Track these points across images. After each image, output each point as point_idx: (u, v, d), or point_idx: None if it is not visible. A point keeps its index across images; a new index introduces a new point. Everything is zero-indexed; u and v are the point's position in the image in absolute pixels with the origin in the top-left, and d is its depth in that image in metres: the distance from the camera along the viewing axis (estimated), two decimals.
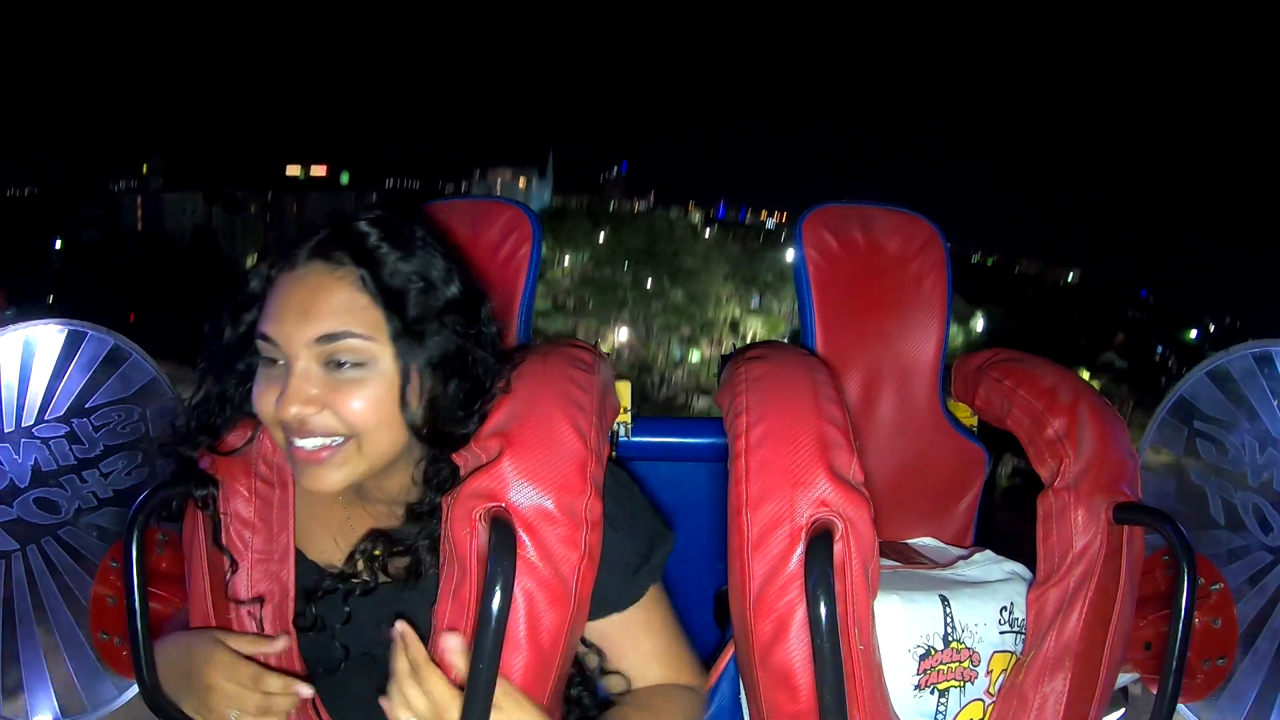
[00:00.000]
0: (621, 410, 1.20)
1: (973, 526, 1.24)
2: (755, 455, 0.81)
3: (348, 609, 0.84)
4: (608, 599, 0.84)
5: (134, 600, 0.79)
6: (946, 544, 1.19)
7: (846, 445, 0.80)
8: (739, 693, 0.94)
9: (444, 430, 0.81)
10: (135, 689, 1.22)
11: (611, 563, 0.81)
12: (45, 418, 1.24)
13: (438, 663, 0.73)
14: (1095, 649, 0.91)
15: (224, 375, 0.87)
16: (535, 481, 0.74)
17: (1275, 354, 1.27)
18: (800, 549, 0.76)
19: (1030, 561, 0.99)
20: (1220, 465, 1.30)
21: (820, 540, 0.74)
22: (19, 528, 1.22)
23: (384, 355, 0.78)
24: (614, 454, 1.19)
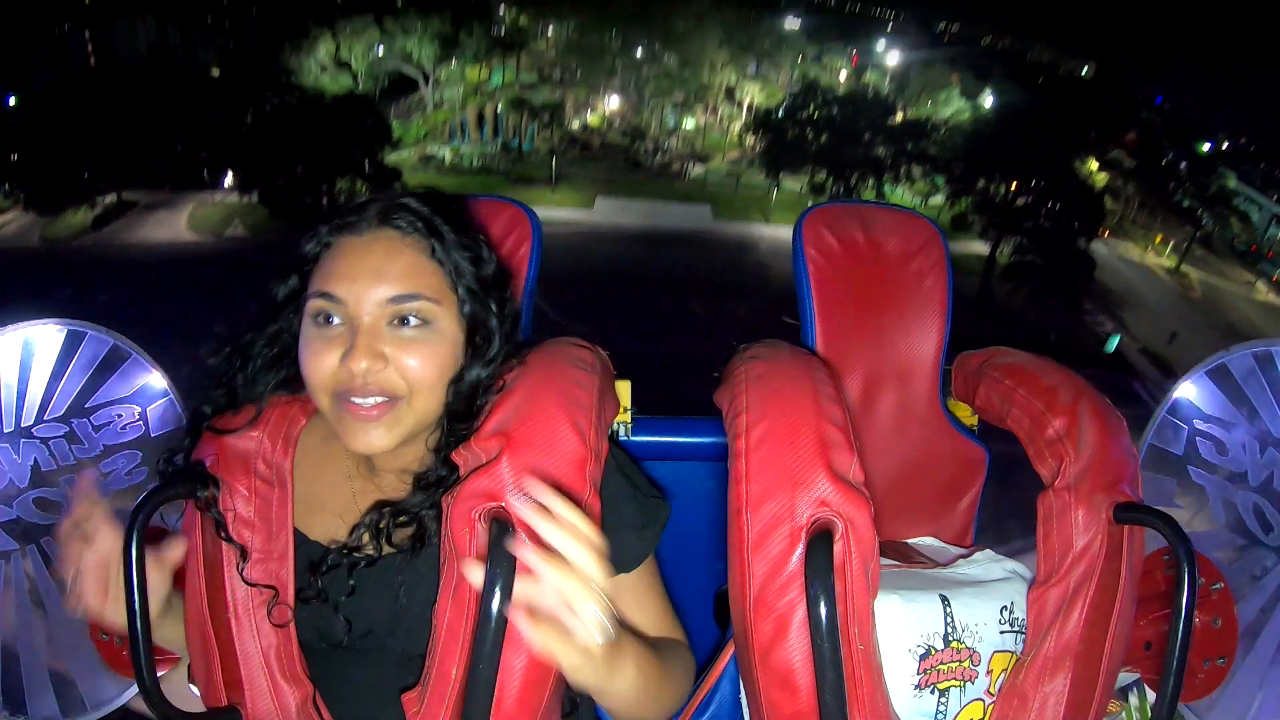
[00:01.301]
0: (621, 410, 1.20)
1: (973, 526, 1.24)
2: (755, 455, 0.81)
3: (352, 581, 0.85)
4: (621, 559, 0.86)
5: (134, 600, 0.79)
6: (946, 543, 1.19)
7: (846, 445, 0.80)
8: (739, 693, 0.94)
9: (469, 396, 0.85)
10: (135, 689, 1.22)
11: (621, 524, 0.83)
12: (45, 418, 1.24)
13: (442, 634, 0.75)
14: (1095, 649, 0.91)
15: (252, 331, 0.90)
16: (535, 481, 0.74)
17: (1275, 354, 1.27)
18: (800, 549, 0.76)
19: (1030, 561, 0.99)
20: (1220, 465, 1.30)
21: (820, 540, 0.74)
22: (19, 528, 1.22)
23: (444, 317, 0.84)
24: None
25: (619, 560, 0.83)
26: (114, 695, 1.25)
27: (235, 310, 0.95)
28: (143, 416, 1.29)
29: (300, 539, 0.88)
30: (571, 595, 0.66)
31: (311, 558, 0.87)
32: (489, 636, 0.67)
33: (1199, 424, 1.32)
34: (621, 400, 1.17)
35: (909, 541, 1.20)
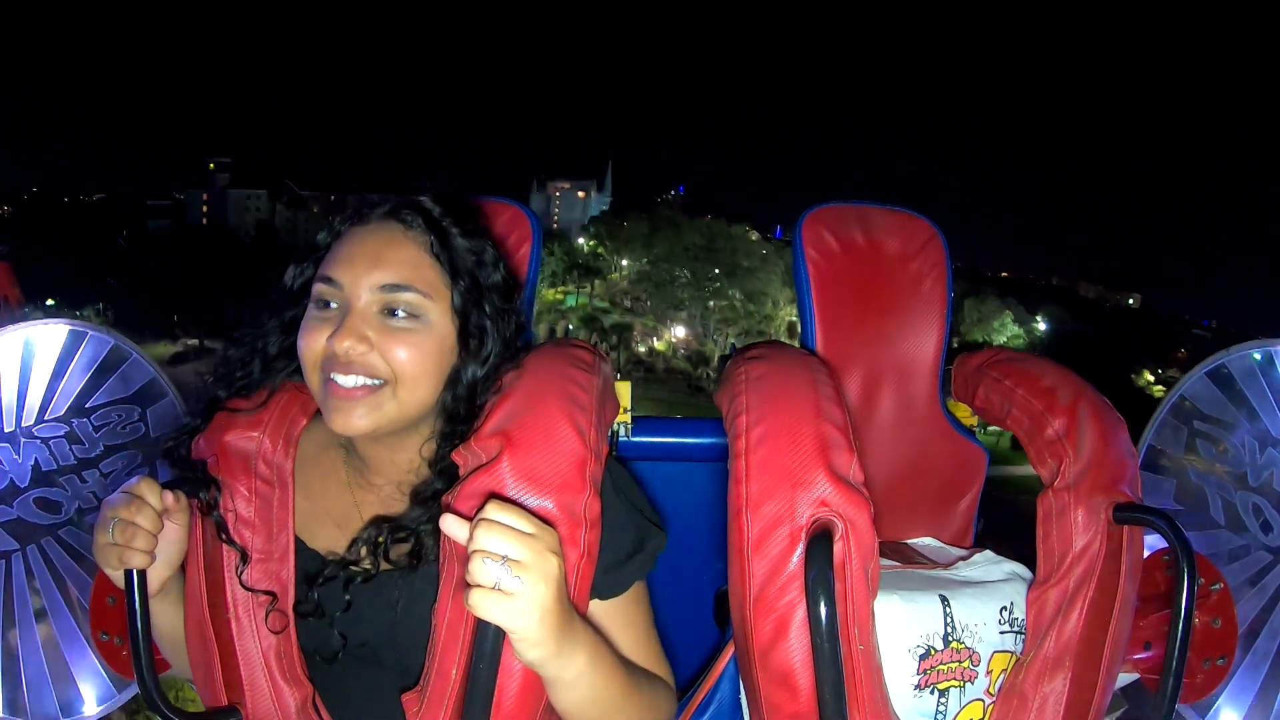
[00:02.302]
0: (621, 410, 1.20)
1: (973, 526, 1.24)
2: (755, 455, 0.81)
3: (348, 597, 0.85)
4: (607, 584, 0.84)
5: (134, 600, 0.78)
6: (946, 544, 1.19)
7: (846, 445, 0.80)
8: (739, 693, 0.94)
9: (467, 398, 0.85)
10: (135, 689, 1.22)
11: (610, 550, 0.81)
12: (45, 418, 1.24)
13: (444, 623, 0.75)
14: (1095, 649, 0.91)
15: (270, 318, 0.92)
16: (535, 481, 0.74)
17: (1275, 354, 1.27)
18: (800, 549, 0.76)
19: (1030, 561, 0.99)
20: (1220, 465, 1.30)
21: (820, 540, 0.74)
22: (19, 528, 1.22)
23: (436, 314, 0.84)
24: (614, 454, 1.19)
25: (604, 585, 0.82)
26: (114, 695, 1.25)
27: None
28: (143, 416, 1.29)
29: (300, 546, 0.88)
30: (502, 549, 0.65)
31: (309, 569, 0.87)
32: (489, 636, 0.67)
33: (1199, 424, 1.32)
34: (621, 401, 1.17)
35: (909, 542, 1.20)
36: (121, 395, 1.28)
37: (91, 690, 1.24)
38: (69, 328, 1.27)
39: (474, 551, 0.65)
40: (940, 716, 0.91)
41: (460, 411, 0.85)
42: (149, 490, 0.79)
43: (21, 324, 1.25)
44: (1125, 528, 0.92)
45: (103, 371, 1.27)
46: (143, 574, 0.79)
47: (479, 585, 0.64)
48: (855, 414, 1.01)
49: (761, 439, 0.81)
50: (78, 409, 1.25)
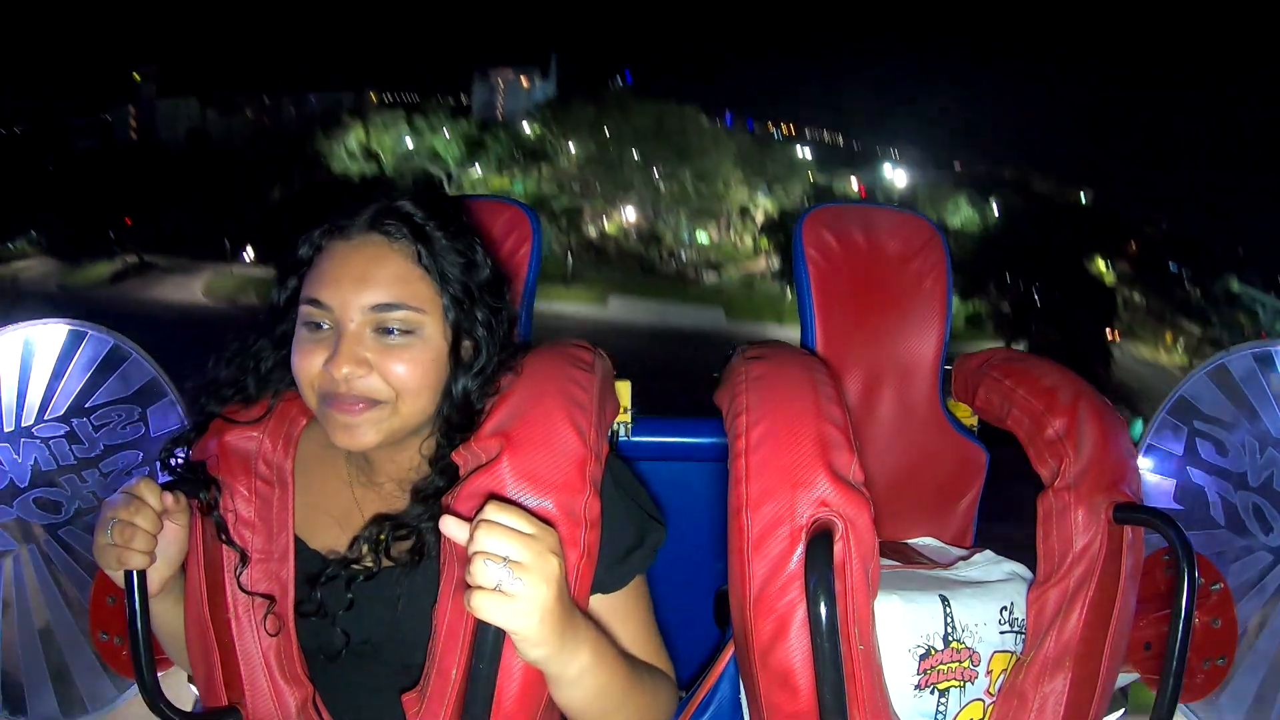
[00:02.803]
0: (621, 410, 1.20)
1: (973, 526, 1.24)
2: (755, 455, 0.81)
3: (350, 595, 0.85)
4: (608, 579, 0.84)
5: (134, 600, 0.78)
6: (946, 544, 1.19)
7: (846, 445, 0.80)
8: (739, 693, 0.94)
9: (463, 407, 0.84)
10: (135, 689, 1.22)
11: (610, 544, 0.81)
12: (45, 417, 1.24)
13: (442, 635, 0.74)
14: (1095, 649, 0.91)
15: (259, 337, 0.91)
16: (535, 481, 0.74)
17: (1275, 354, 1.27)
18: (800, 549, 0.76)
19: (1030, 561, 0.99)
20: (1220, 465, 1.30)
21: (820, 540, 0.74)
22: (19, 528, 1.22)
23: (430, 325, 0.83)
24: (614, 451, 1.19)
25: (605, 580, 0.82)
26: (114, 695, 1.25)
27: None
28: (143, 416, 1.29)
29: (300, 546, 0.88)
30: (501, 548, 0.64)
31: (310, 569, 0.87)
32: (489, 636, 0.67)
33: (1199, 424, 1.32)
34: (621, 400, 1.17)
35: (909, 542, 1.20)
36: (121, 395, 1.28)
37: (91, 690, 1.24)
38: (69, 328, 1.27)
39: (475, 553, 0.64)
40: (940, 716, 0.91)
41: (457, 419, 0.84)
42: (148, 491, 0.79)
43: (22, 324, 1.25)
44: (1125, 528, 0.92)
45: (103, 371, 1.27)
46: (143, 574, 0.79)
47: (480, 587, 0.64)
48: (855, 414, 1.01)
49: (761, 439, 0.81)
50: (78, 409, 1.25)
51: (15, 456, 1.22)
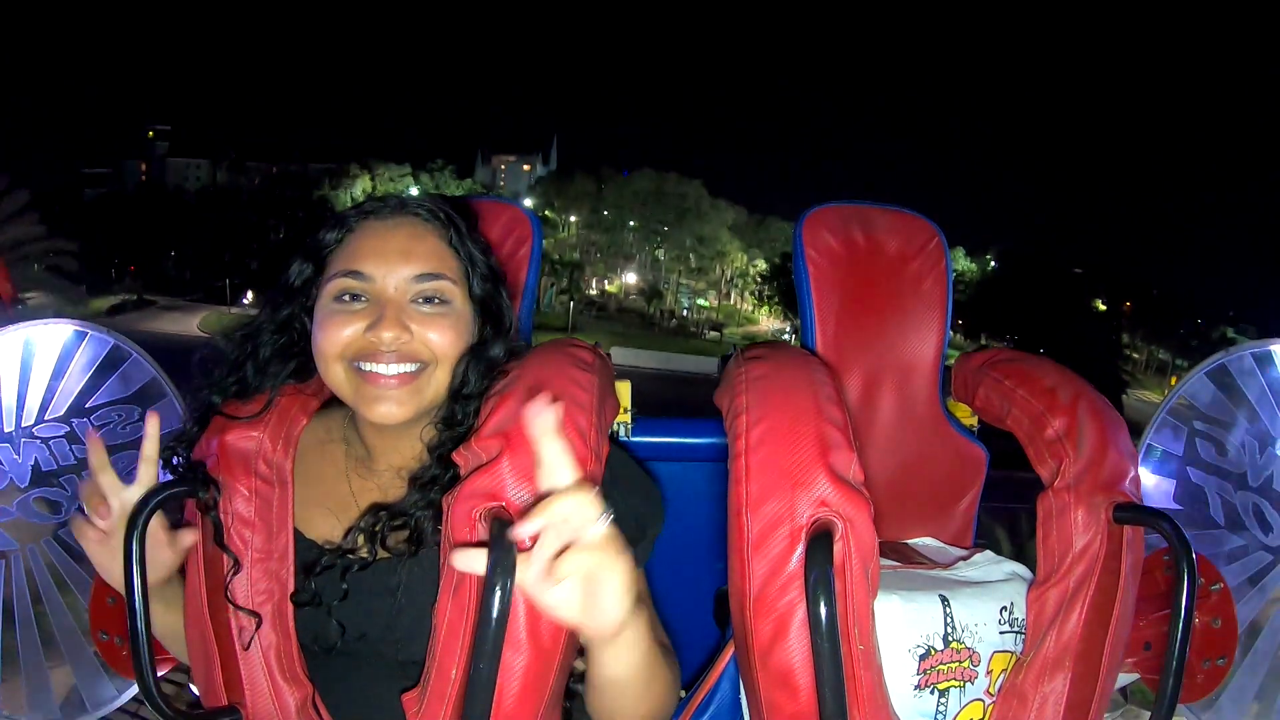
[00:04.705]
0: (621, 410, 1.20)
1: (973, 526, 1.24)
2: (755, 455, 0.81)
3: (345, 585, 0.85)
4: None
5: (134, 600, 0.79)
6: (946, 544, 1.19)
7: (846, 445, 0.80)
8: (739, 693, 0.94)
9: (487, 375, 0.88)
10: (135, 689, 1.22)
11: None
12: (45, 418, 1.24)
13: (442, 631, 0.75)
14: (1095, 649, 0.91)
15: (261, 322, 0.93)
16: (535, 481, 0.74)
17: (1275, 354, 1.27)
18: (800, 549, 0.76)
19: (1030, 561, 0.99)
20: (1220, 465, 1.30)
21: (820, 540, 0.74)
22: (19, 528, 1.23)
23: (460, 299, 0.90)
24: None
25: None
26: (114, 695, 1.25)
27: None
28: (143, 416, 1.29)
29: (296, 537, 0.89)
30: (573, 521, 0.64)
31: (306, 559, 0.87)
32: (489, 636, 0.67)
33: (1199, 424, 1.32)
34: (621, 400, 1.17)
35: (909, 542, 1.20)
36: (121, 395, 1.28)
37: (91, 690, 1.24)
38: (70, 327, 1.27)
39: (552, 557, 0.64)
40: (940, 716, 0.91)
41: (472, 387, 0.88)
42: (95, 455, 0.83)
43: (22, 324, 1.25)
44: (1125, 528, 0.92)
45: (103, 371, 1.27)
46: (143, 574, 0.79)
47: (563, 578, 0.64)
48: (855, 414, 1.01)
49: (761, 439, 0.81)
50: (78, 409, 1.25)
51: (15, 456, 1.22)
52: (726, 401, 0.90)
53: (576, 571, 0.64)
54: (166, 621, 0.90)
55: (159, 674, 0.81)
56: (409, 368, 0.86)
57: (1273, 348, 1.28)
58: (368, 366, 0.85)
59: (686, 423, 1.30)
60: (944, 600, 0.93)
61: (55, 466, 1.23)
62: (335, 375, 0.86)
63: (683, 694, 1.02)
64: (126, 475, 0.84)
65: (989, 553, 1.07)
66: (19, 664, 1.22)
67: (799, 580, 0.75)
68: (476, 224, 0.96)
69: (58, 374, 1.25)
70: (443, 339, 0.87)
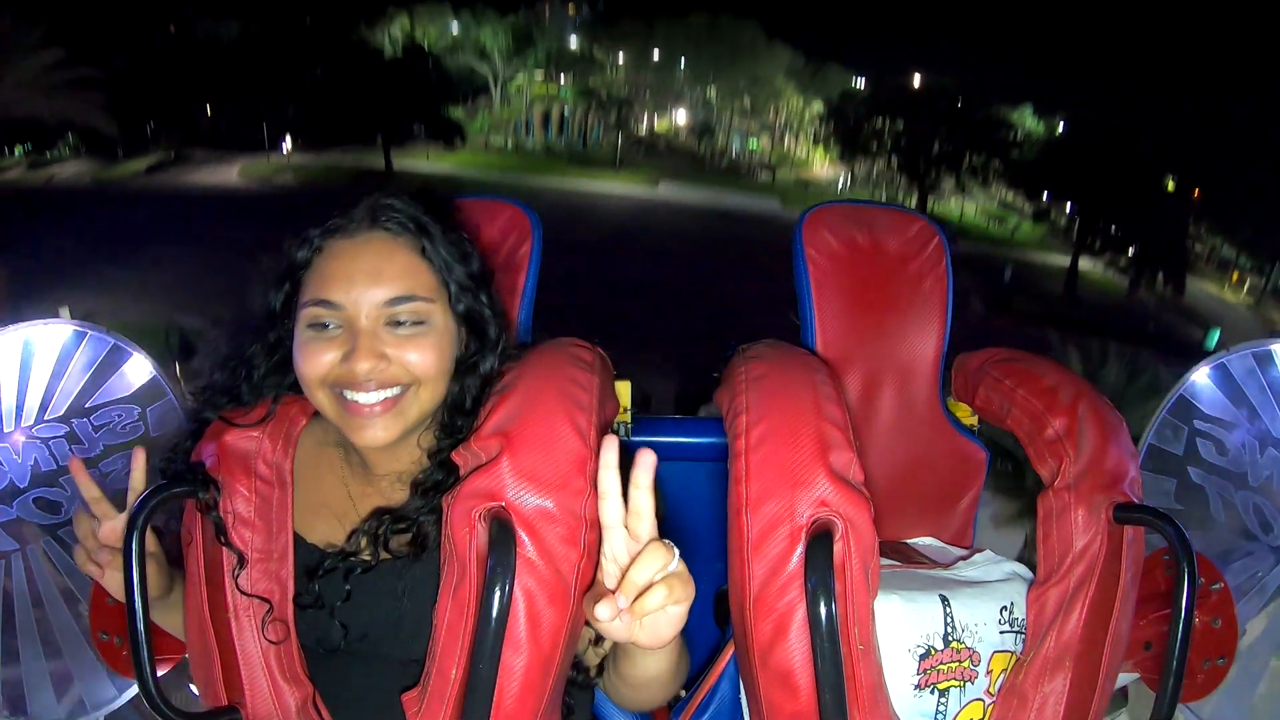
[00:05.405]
0: (621, 410, 1.20)
1: (973, 526, 1.24)
2: (755, 455, 0.81)
3: (348, 587, 0.85)
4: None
5: (134, 600, 0.79)
6: (946, 544, 1.19)
7: (846, 445, 0.80)
8: (739, 693, 0.94)
9: (481, 387, 0.87)
10: (135, 689, 1.23)
11: None
12: (45, 418, 1.24)
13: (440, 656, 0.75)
14: (1095, 649, 0.91)
15: (253, 342, 0.92)
16: (535, 481, 0.74)
17: (1275, 354, 1.27)
18: (800, 549, 0.76)
19: (1030, 561, 0.99)
20: (1220, 465, 1.30)
21: (820, 540, 0.74)
22: (19, 528, 1.23)
23: (438, 315, 0.86)
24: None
25: None
26: (114, 695, 1.25)
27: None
28: (143, 416, 1.29)
29: (298, 541, 0.89)
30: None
31: (308, 562, 0.87)
32: (489, 636, 0.67)
33: (1199, 424, 1.32)
34: (621, 400, 1.17)
35: (909, 542, 1.20)
36: (121, 395, 1.28)
37: (92, 690, 1.24)
38: (69, 328, 1.27)
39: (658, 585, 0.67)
40: (940, 716, 0.91)
41: (467, 404, 0.86)
42: (86, 508, 0.86)
43: (22, 324, 1.25)
44: (1125, 528, 0.92)
45: (102, 371, 1.27)
46: (143, 574, 0.79)
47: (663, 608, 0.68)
48: (855, 414, 1.01)
49: (761, 439, 0.81)
50: (78, 409, 1.25)
51: (15, 456, 1.22)
52: (726, 401, 0.90)
53: (660, 607, 0.67)
54: (169, 621, 0.92)
55: (159, 674, 0.81)
56: (391, 392, 0.84)
57: (1273, 348, 1.28)
58: (349, 395, 0.83)
59: (687, 422, 1.30)
60: (944, 600, 0.93)
61: (55, 466, 1.23)
62: (320, 401, 0.86)
63: (682, 694, 1.03)
64: (123, 472, 0.85)
65: (989, 552, 1.07)
66: (19, 664, 1.22)
67: (799, 580, 0.75)
68: (456, 224, 0.91)
69: (57, 374, 1.25)
70: (423, 360, 0.84)
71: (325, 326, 0.83)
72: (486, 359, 0.88)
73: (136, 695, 1.24)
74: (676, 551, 0.69)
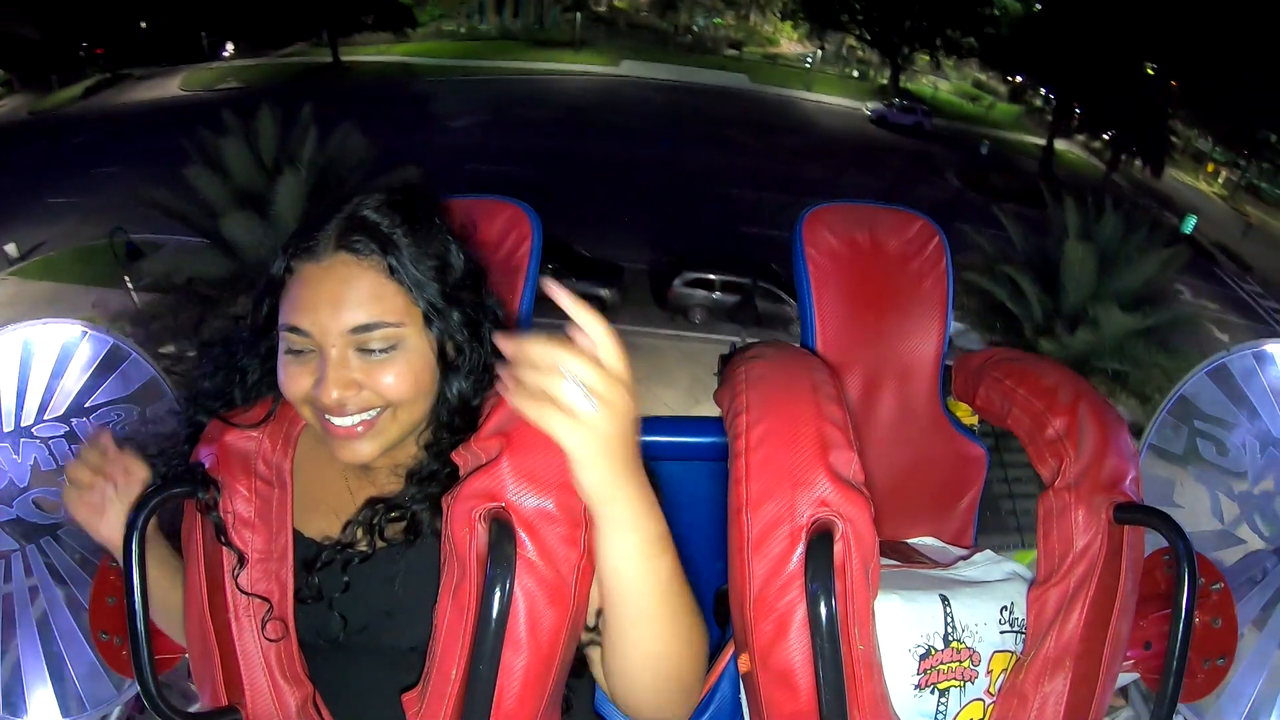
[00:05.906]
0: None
1: (973, 526, 1.24)
2: (755, 455, 0.81)
3: (346, 578, 0.85)
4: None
5: (134, 600, 0.79)
6: (946, 544, 1.19)
7: (846, 445, 0.80)
8: (739, 692, 0.94)
9: (463, 401, 0.86)
10: (135, 689, 1.23)
11: None
12: (45, 417, 1.24)
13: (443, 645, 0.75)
14: (1095, 649, 0.91)
15: (244, 354, 0.92)
16: (535, 481, 0.74)
17: (1275, 354, 1.27)
18: (800, 549, 0.76)
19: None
20: (1220, 465, 1.30)
21: (820, 540, 0.74)
22: (19, 528, 1.23)
23: (412, 335, 0.83)
24: None
25: None
26: (114, 695, 1.25)
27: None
28: (142, 416, 1.29)
29: (296, 537, 0.89)
30: (564, 365, 0.65)
31: (306, 556, 0.87)
32: (489, 637, 0.67)
33: (1199, 424, 1.32)
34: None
35: (909, 542, 1.20)
36: (121, 395, 1.28)
37: (91, 690, 1.24)
38: (69, 328, 1.27)
39: (555, 370, 0.65)
40: (940, 716, 0.91)
41: (457, 421, 0.86)
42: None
43: (22, 324, 1.25)
44: (1126, 528, 0.92)
45: (102, 371, 1.27)
46: (143, 574, 0.79)
47: (551, 404, 0.65)
48: (855, 414, 1.01)
49: (761, 438, 0.81)
50: (77, 409, 1.25)
51: (15, 456, 1.22)
52: (726, 401, 0.90)
53: (589, 383, 0.65)
54: (169, 622, 0.92)
55: (159, 674, 0.81)
56: (368, 415, 0.83)
57: (1273, 347, 1.28)
58: (327, 417, 0.83)
59: (687, 422, 1.30)
60: (944, 600, 0.93)
61: (55, 466, 1.23)
62: (305, 416, 0.86)
63: None
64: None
65: (989, 552, 1.07)
66: (19, 664, 1.22)
67: (799, 580, 0.75)
68: (434, 227, 0.86)
69: (57, 374, 1.25)
70: (397, 384, 0.82)
71: (300, 352, 0.83)
72: (453, 384, 0.85)
73: (136, 695, 1.24)
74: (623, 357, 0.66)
